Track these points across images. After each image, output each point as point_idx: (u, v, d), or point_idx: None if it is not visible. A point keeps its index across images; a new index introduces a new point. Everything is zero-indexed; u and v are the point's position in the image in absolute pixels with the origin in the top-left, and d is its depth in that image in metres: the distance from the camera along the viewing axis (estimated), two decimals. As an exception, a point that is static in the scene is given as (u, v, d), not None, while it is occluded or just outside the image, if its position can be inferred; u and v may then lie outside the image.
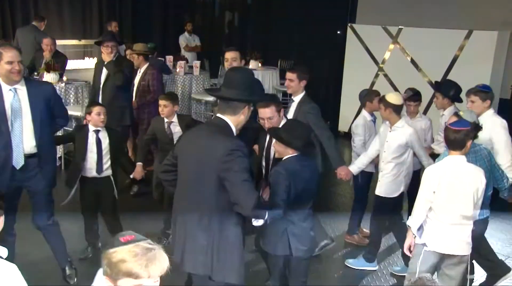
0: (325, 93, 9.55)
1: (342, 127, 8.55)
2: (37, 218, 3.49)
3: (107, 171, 3.94)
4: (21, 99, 3.24)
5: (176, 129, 4.33)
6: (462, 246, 2.97)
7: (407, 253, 3.14)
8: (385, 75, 7.89)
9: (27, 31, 7.59)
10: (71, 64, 7.83)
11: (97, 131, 3.87)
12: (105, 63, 5.25)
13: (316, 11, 9.47)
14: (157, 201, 4.42)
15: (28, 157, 3.31)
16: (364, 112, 4.46)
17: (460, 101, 4.26)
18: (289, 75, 4.00)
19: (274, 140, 3.08)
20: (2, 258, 1.90)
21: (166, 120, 4.33)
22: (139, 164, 4.27)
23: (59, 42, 7.27)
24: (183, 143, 2.66)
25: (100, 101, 5.26)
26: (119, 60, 5.29)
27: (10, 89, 3.21)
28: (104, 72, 5.31)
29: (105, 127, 3.94)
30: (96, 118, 3.83)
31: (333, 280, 4.09)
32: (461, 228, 2.94)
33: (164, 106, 4.31)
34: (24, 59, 7.05)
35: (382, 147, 3.96)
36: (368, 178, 4.47)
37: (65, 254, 3.70)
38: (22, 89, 3.25)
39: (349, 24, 8.34)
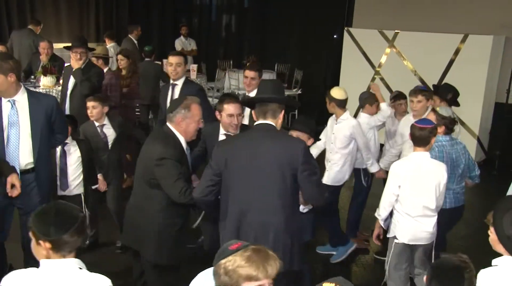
0: (321, 97, 9.57)
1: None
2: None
3: (78, 189, 3.66)
4: (19, 112, 3.08)
5: (110, 132, 4.10)
6: (427, 236, 3.19)
7: (376, 242, 3.41)
8: (382, 79, 7.92)
9: (23, 35, 7.59)
10: (68, 68, 7.83)
11: (63, 144, 3.59)
12: (73, 70, 4.90)
13: (313, 15, 9.52)
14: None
15: (24, 173, 3.12)
16: (363, 114, 4.52)
17: (458, 105, 4.29)
18: (251, 73, 4.20)
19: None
20: (81, 269, 1.84)
21: (97, 123, 4.06)
22: (99, 175, 4.00)
23: (56, 45, 7.27)
24: (234, 155, 2.60)
25: (67, 108, 5.03)
26: (87, 67, 4.95)
27: (8, 101, 3.07)
28: (72, 78, 5.02)
29: (76, 140, 3.68)
30: None
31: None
32: (426, 219, 3.15)
33: (92, 108, 4.00)
34: (21, 62, 7.14)
35: (329, 139, 4.19)
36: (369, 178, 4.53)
37: None
38: (21, 101, 3.09)
39: (345, 28, 8.38)
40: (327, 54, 9.50)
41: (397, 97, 4.60)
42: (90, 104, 4.03)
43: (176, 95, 4.30)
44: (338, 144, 4.05)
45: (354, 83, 7.92)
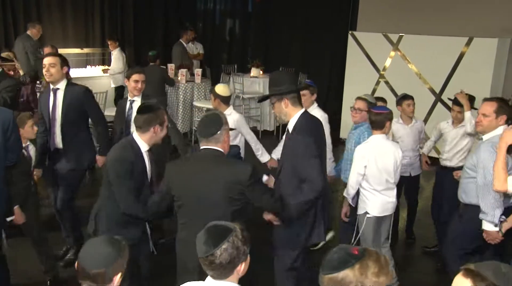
0: (326, 101, 9.58)
1: (344, 134, 8.55)
2: None
3: None
4: None
5: (32, 153, 3.74)
6: (392, 206, 3.64)
7: (345, 219, 3.81)
8: (386, 82, 7.91)
9: (19, 40, 7.65)
10: (73, 73, 7.87)
11: None
12: None
13: (317, 19, 9.53)
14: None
15: None
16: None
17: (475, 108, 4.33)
18: (141, 77, 4.26)
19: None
20: None
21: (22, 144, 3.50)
22: (16, 207, 3.40)
23: (61, 50, 7.31)
24: (319, 137, 2.95)
25: None
26: None
27: None
28: None
29: None
30: None
31: None
32: (389, 192, 3.59)
33: (34, 126, 3.61)
34: (22, 67, 7.16)
35: None
36: None
37: None
38: None
39: (350, 32, 8.37)
40: (331, 58, 9.49)
41: (404, 98, 4.62)
42: (33, 121, 3.62)
43: (60, 101, 3.93)
44: None
45: (358, 87, 7.91)
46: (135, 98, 4.26)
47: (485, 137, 3.25)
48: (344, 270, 1.52)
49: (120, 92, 8.27)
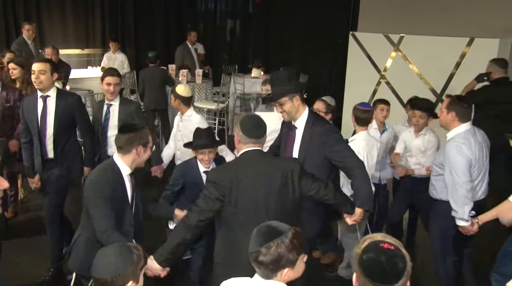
0: (327, 101, 9.58)
1: (344, 135, 8.52)
2: None
3: None
4: None
5: None
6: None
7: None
8: (387, 83, 7.90)
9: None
10: (74, 73, 7.88)
11: None
12: None
13: (317, 19, 9.53)
14: None
15: None
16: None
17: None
18: (114, 79, 4.07)
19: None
20: None
21: None
22: None
23: (62, 51, 7.32)
24: None
25: None
26: None
27: None
28: None
29: None
30: None
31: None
32: (373, 186, 3.62)
33: None
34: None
35: (176, 137, 4.36)
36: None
37: None
38: None
39: (350, 32, 8.37)
40: (332, 58, 9.49)
41: (408, 102, 4.55)
42: None
43: (51, 109, 3.77)
44: (186, 141, 3.84)
45: (359, 87, 7.92)
46: (112, 102, 4.09)
47: (448, 135, 3.40)
48: (405, 270, 1.54)
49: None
